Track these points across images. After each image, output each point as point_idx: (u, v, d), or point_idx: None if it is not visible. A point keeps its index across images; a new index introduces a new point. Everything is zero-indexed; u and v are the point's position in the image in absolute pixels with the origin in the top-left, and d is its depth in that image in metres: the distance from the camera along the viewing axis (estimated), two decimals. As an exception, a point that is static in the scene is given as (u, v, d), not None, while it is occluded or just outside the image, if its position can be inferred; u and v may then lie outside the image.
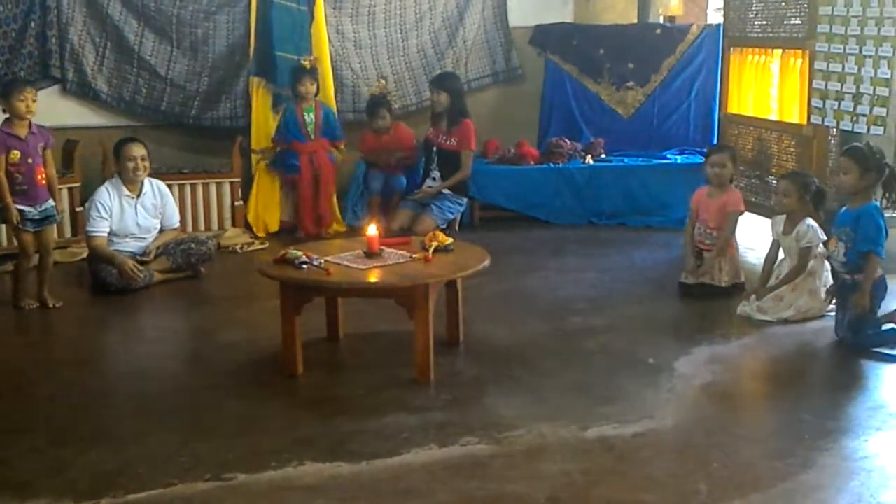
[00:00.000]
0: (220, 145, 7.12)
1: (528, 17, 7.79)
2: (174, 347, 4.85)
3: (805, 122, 6.21)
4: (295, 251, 4.27)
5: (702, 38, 7.57)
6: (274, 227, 6.94)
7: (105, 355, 4.75)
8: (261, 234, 6.86)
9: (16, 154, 5.10)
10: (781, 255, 5.05)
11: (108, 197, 5.66)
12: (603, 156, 7.43)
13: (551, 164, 7.24)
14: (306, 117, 6.85)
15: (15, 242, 5.49)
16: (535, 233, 6.94)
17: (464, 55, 7.76)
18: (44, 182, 5.22)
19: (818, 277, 4.91)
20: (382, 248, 4.39)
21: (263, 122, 7.07)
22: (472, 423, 3.61)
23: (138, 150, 5.70)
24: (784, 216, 5.01)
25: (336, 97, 7.26)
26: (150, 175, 5.86)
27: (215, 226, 6.86)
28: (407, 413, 3.73)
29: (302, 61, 6.89)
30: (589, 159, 7.32)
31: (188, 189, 6.76)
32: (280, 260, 4.26)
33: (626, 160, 7.40)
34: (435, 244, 4.42)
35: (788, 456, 3.33)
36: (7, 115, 5.18)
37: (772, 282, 4.99)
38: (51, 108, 6.78)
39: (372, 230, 4.38)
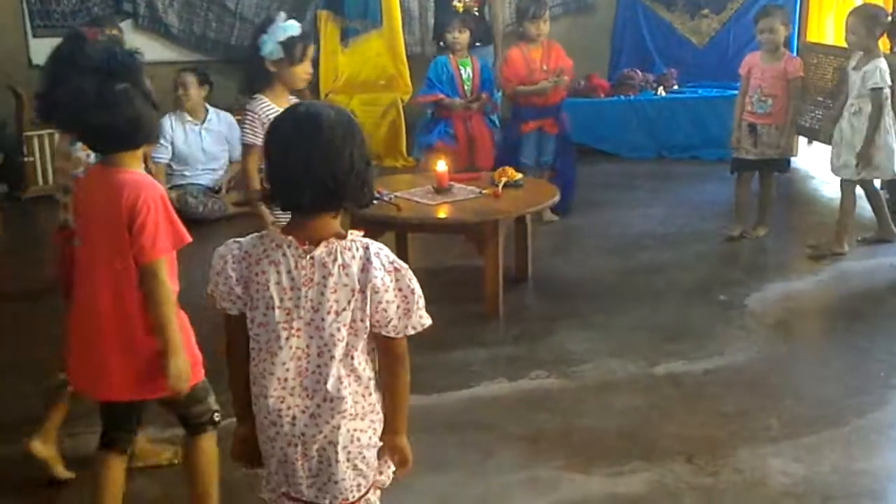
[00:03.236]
0: None
1: (601, -56, 7.60)
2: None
3: (888, 50, 5.96)
4: (366, 186, 4.31)
5: (781, -38, 7.29)
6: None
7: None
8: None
9: None
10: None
11: (170, 125, 5.85)
12: (675, 87, 7.28)
13: (622, 97, 7.12)
14: (462, 72, 5.64)
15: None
16: (604, 167, 6.86)
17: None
18: None
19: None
20: (452, 183, 4.40)
21: (331, 55, 7.07)
22: (541, 358, 3.66)
23: (186, 77, 5.98)
24: (859, 55, 4.78)
25: (403, 30, 7.20)
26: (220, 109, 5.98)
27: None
28: (476, 347, 3.79)
29: (454, 2, 6.06)
30: (661, 91, 7.18)
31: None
32: (351, 195, 4.30)
33: (699, 91, 7.24)
34: (504, 179, 4.41)
35: (862, 393, 3.31)
36: None
37: (839, 134, 4.79)
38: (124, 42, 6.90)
39: (441, 166, 4.39)
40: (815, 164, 5.33)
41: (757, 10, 7.16)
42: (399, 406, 1.96)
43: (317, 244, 1.85)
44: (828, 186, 5.82)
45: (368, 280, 1.83)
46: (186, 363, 2.33)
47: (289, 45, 3.22)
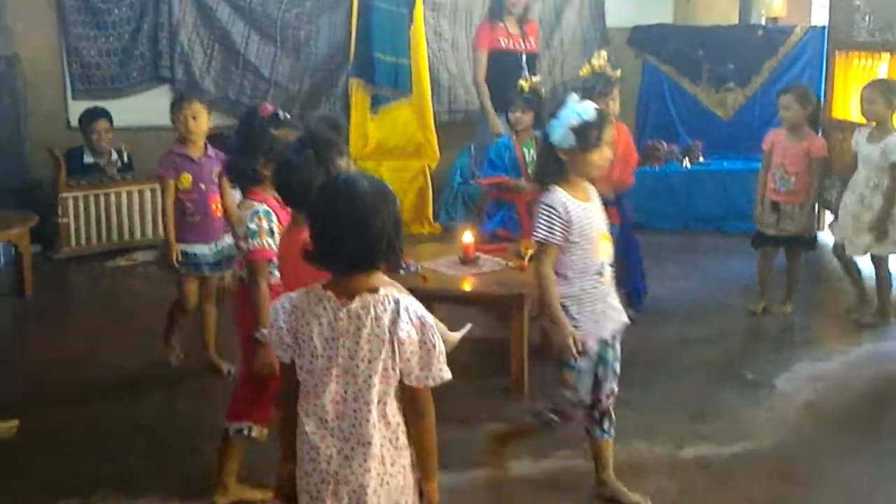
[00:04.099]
0: None
1: (626, 18, 7.71)
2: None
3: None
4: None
5: (805, 39, 7.39)
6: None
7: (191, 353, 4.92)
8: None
9: (187, 178, 4.32)
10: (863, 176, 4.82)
11: None
12: (701, 159, 7.34)
13: (647, 167, 7.17)
14: (526, 154, 5.12)
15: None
16: (629, 237, 6.87)
17: (560, 56, 7.75)
18: (220, 214, 4.35)
19: None
20: (478, 254, 4.44)
21: (361, 122, 7.20)
22: (567, 436, 3.62)
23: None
24: (872, 126, 4.82)
25: (432, 99, 7.33)
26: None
27: (313, 224, 7.01)
28: (501, 424, 3.76)
29: (521, 80, 5.40)
30: (686, 162, 7.24)
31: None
32: (378, 265, 4.34)
33: (724, 163, 7.29)
34: (531, 251, 4.43)
35: (892, 482, 3.27)
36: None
37: (855, 208, 4.81)
38: (160, 108, 7.03)
39: (468, 237, 4.43)
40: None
41: (778, 88, 7.32)
42: (424, 451, 2.13)
43: (352, 298, 2.05)
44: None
45: (396, 332, 2.02)
46: None
47: (582, 131, 2.93)
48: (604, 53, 5.10)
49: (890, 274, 4.92)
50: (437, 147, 7.26)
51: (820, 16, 7.78)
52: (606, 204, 4.83)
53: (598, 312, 3.01)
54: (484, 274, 4.27)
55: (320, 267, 2.09)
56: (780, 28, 7.57)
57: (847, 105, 6.81)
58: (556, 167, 2.99)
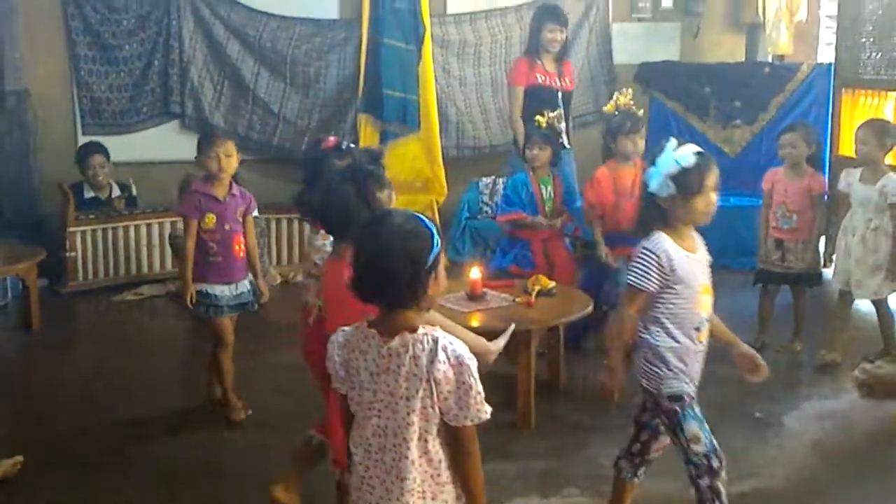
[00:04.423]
0: None
1: (633, 54, 7.77)
2: (276, 381, 4.81)
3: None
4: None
5: (812, 77, 7.41)
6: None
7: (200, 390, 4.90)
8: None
9: (211, 218, 4.20)
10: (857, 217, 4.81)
11: None
12: (708, 196, 7.34)
13: (655, 203, 7.17)
14: (543, 191, 5.16)
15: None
16: (636, 272, 6.86)
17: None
18: (243, 254, 4.30)
19: None
20: (485, 290, 4.44)
21: (369, 157, 7.23)
22: (574, 473, 3.62)
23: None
24: (861, 168, 4.81)
25: (441, 134, 7.37)
26: (260, 209, 6.08)
27: (321, 258, 7.03)
28: (507, 460, 3.75)
29: (538, 115, 5.40)
30: (693, 199, 7.24)
31: (295, 223, 6.96)
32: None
33: (731, 199, 7.29)
34: (538, 288, 4.43)
35: (902, 524, 3.23)
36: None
37: (859, 251, 4.78)
38: (169, 143, 7.13)
39: (475, 272, 4.43)
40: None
41: (785, 125, 7.34)
42: (469, 488, 2.17)
43: (393, 336, 2.12)
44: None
45: (433, 371, 2.07)
46: None
47: (681, 178, 2.82)
48: (629, 90, 5.06)
49: (892, 312, 4.89)
50: (444, 182, 7.29)
51: (826, 53, 7.83)
52: (629, 241, 4.85)
53: (696, 370, 2.92)
54: (491, 309, 4.26)
55: (362, 301, 2.17)
56: (786, 66, 7.61)
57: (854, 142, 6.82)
58: (658, 215, 2.87)
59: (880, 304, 4.86)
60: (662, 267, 2.79)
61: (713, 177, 2.85)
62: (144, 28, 7.04)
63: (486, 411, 2.10)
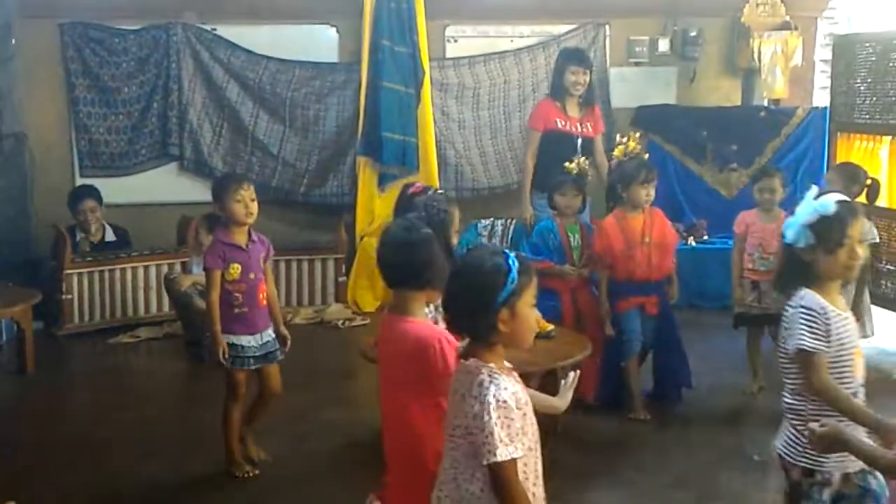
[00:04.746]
0: (326, 222, 7.31)
1: (631, 98, 7.82)
2: (271, 426, 4.74)
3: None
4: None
5: (807, 121, 7.49)
6: (367, 307, 6.99)
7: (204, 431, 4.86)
8: (365, 308, 6.96)
9: (236, 268, 3.98)
10: None
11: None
12: (706, 237, 7.36)
13: (652, 246, 7.17)
14: (571, 239, 4.99)
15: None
16: (634, 315, 6.85)
17: (565, 135, 7.82)
18: (265, 303, 4.11)
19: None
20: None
21: (368, 199, 7.27)
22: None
23: (201, 228, 6.04)
24: None
25: (439, 176, 7.40)
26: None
27: (319, 300, 7.02)
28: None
29: (568, 164, 5.18)
30: (691, 240, 7.26)
31: (294, 264, 6.96)
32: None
33: (729, 242, 7.27)
34: (549, 328, 4.38)
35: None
36: (222, 218, 4.13)
37: None
38: (168, 185, 7.16)
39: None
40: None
41: (785, 165, 7.38)
42: None
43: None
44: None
45: (471, 406, 2.15)
46: None
47: (821, 228, 2.60)
48: (637, 134, 4.90)
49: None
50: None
51: (821, 97, 7.89)
52: (643, 291, 4.74)
53: None
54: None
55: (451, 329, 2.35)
56: (782, 110, 7.67)
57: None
58: (798, 269, 2.64)
59: None
60: (824, 324, 2.55)
61: (857, 227, 2.62)
62: (144, 70, 7.09)
63: (498, 456, 2.10)
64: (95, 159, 7.09)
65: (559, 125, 6.10)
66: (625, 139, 4.92)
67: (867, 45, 6.54)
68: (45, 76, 6.97)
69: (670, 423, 4.68)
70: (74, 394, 5.48)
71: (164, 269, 6.59)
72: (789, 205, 5.35)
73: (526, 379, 3.96)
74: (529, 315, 2.23)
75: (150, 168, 7.22)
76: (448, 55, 7.62)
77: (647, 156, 4.92)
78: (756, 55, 7.66)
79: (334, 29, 7.47)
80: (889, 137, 6.38)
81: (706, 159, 7.66)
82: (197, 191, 7.28)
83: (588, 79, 6.14)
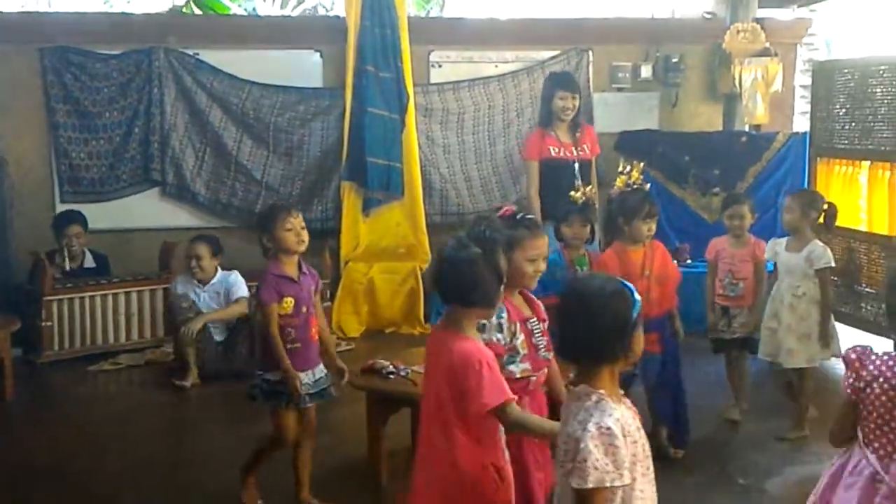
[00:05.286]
0: (310, 247, 7.10)
1: (613, 123, 7.85)
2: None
3: (895, 233, 6.09)
4: (382, 361, 4.31)
5: (788, 146, 7.53)
6: (351, 333, 6.95)
7: (186, 460, 4.80)
8: (350, 333, 6.91)
9: (289, 302, 3.80)
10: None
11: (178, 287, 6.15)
12: (689, 261, 7.37)
13: (636, 270, 7.18)
14: (579, 271, 4.87)
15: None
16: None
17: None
18: (316, 338, 3.93)
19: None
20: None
21: (353, 224, 7.25)
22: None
23: (199, 249, 6.04)
24: (787, 238, 4.93)
25: (424, 201, 7.39)
26: (244, 277, 6.07)
27: (302, 326, 6.96)
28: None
29: (573, 192, 4.97)
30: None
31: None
32: (367, 369, 4.30)
33: (711, 266, 7.31)
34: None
35: None
36: (271, 250, 3.90)
37: (787, 317, 4.81)
38: (150, 211, 7.12)
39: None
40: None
41: (762, 192, 7.43)
42: None
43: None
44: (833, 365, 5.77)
45: (574, 430, 2.20)
46: None
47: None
48: (640, 164, 4.67)
49: (812, 384, 4.89)
50: (428, 248, 7.27)
51: (801, 123, 7.96)
52: (647, 328, 4.55)
53: None
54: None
55: (563, 357, 2.48)
56: (763, 135, 7.73)
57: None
58: None
59: (805, 377, 4.86)
60: None
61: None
62: (125, 95, 7.07)
63: (588, 480, 2.14)
64: (76, 185, 7.04)
65: (553, 153, 6.12)
66: (627, 168, 4.70)
67: (846, 71, 6.61)
68: (25, 101, 6.93)
69: (659, 448, 4.64)
70: (54, 422, 5.39)
71: (147, 295, 6.53)
72: (759, 231, 5.42)
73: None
74: (641, 336, 2.33)
75: (132, 193, 7.17)
76: (432, 80, 7.64)
77: (647, 186, 4.75)
78: (737, 81, 7.73)
79: (318, 54, 7.49)
80: (868, 162, 6.44)
81: (688, 184, 7.69)
82: (179, 216, 7.27)
83: (577, 103, 6.18)
